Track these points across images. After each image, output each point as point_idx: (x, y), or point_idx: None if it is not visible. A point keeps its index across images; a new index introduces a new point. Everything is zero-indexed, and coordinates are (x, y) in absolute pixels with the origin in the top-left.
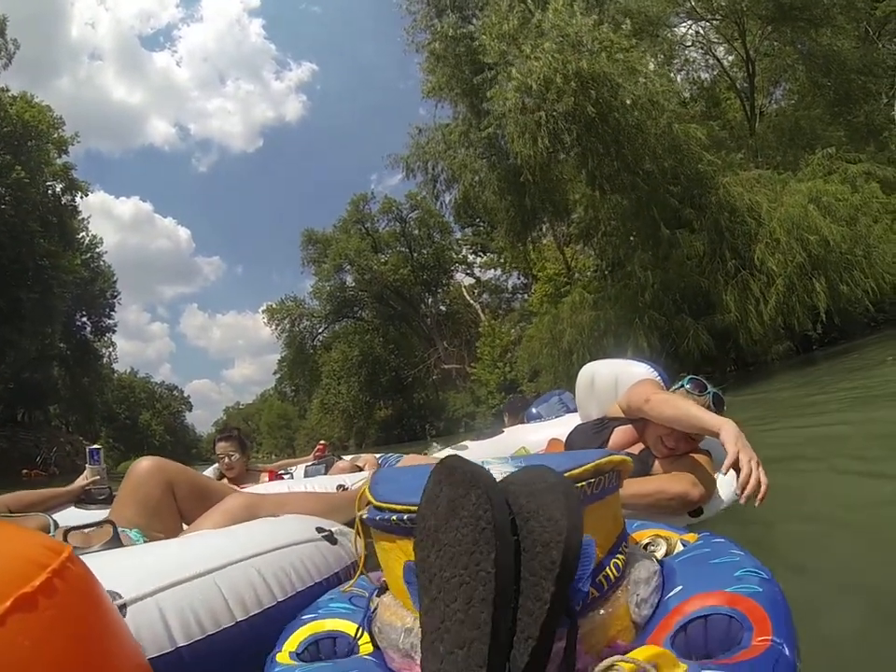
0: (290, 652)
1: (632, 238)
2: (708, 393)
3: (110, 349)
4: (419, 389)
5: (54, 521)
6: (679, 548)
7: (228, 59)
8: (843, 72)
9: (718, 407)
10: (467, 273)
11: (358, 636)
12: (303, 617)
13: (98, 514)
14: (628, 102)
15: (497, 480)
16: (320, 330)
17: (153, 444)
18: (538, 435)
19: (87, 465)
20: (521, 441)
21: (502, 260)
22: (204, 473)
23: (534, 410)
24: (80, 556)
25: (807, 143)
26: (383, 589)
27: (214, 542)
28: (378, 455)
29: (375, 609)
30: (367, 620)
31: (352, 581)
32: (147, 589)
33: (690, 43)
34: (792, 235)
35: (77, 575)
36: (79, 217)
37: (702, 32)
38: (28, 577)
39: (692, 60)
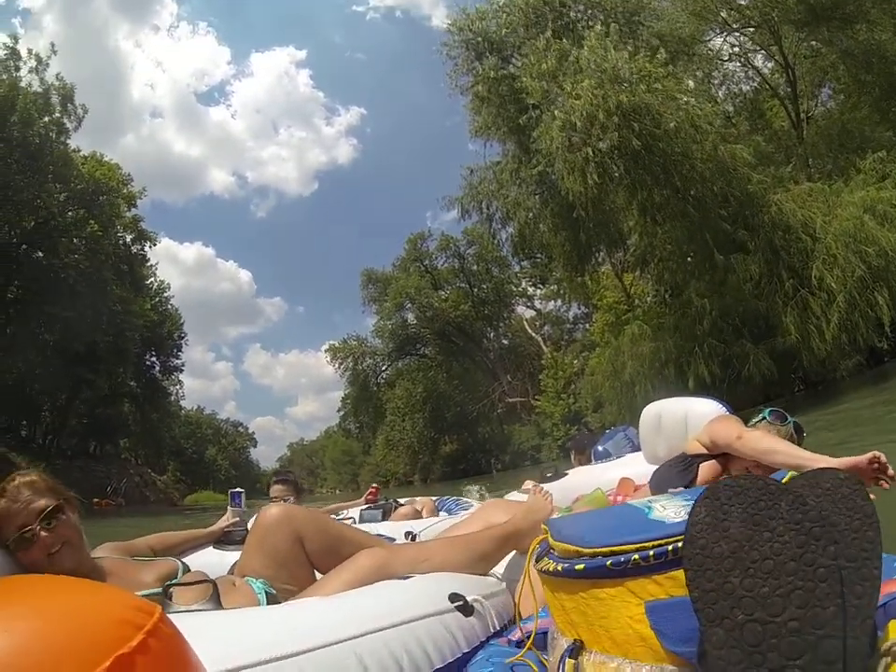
0: None
1: (687, 264)
2: (789, 422)
3: (178, 387)
4: (484, 423)
5: (184, 564)
6: None
7: (279, 109)
8: (886, 65)
9: (798, 435)
10: (527, 306)
11: None
12: None
13: (234, 556)
14: (671, 129)
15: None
16: (383, 368)
17: (219, 479)
18: (606, 475)
19: (228, 507)
20: (589, 483)
21: (562, 291)
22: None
23: (600, 448)
24: (175, 613)
25: (858, 146)
26: (577, 649)
27: (311, 615)
28: (434, 499)
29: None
30: None
31: (525, 649)
32: (232, 664)
33: (727, 56)
34: (850, 249)
35: (170, 636)
36: (148, 265)
37: (737, 43)
38: (125, 638)
39: (730, 73)
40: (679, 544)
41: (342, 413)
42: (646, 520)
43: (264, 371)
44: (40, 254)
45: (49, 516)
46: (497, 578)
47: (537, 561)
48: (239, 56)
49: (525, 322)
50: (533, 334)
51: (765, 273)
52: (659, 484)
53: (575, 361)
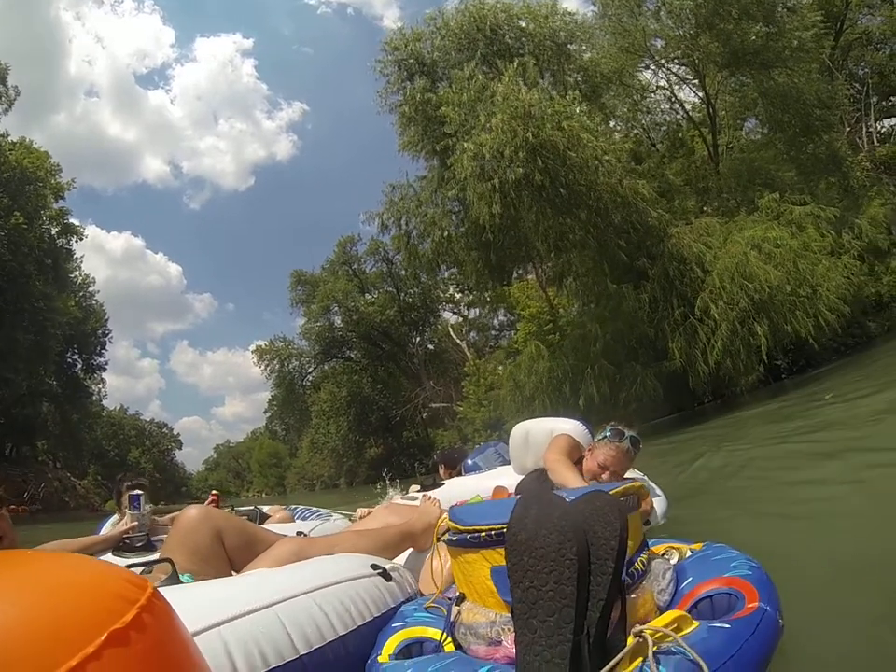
0: (389, 655)
1: (588, 289)
2: (626, 438)
3: (100, 386)
4: (409, 427)
5: (146, 562)
6: (689, 554)
7: (221, 98)
8: (802, 106)
9: (635, 447)
10: (454, 312)
11: (443, 639)
12: (393, 625)
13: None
14: (576, 164)
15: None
16: (309, 370)
17: None
18: (480, 485)
19: (128, 511)
20: (467, 492)
21: (487, 299)
22: (106, 525)
23: (470, 461)
24: None
25: (764, 182)
26: (460, 599)
27: (273, 578)
28: (287, 507)
29: (457, 615)
30: (449, 625)
31: (436, 595)
32: (211, 621)
33: (654, 89)
34: (734, 282)
35: (162, 609)
36: (74, 259)
37: (664, 76)
38: (119, 612)
39: (657, 104)
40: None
41: (268, 414)
42: (505, 514)
43: (191, 369)
44: None
45: None
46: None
47: (443, 534)
48: (183, 39)
49: (450, 328)
50: (458, 340)
51: (661, 299)
52: (522, 493)
53: (499, 368)
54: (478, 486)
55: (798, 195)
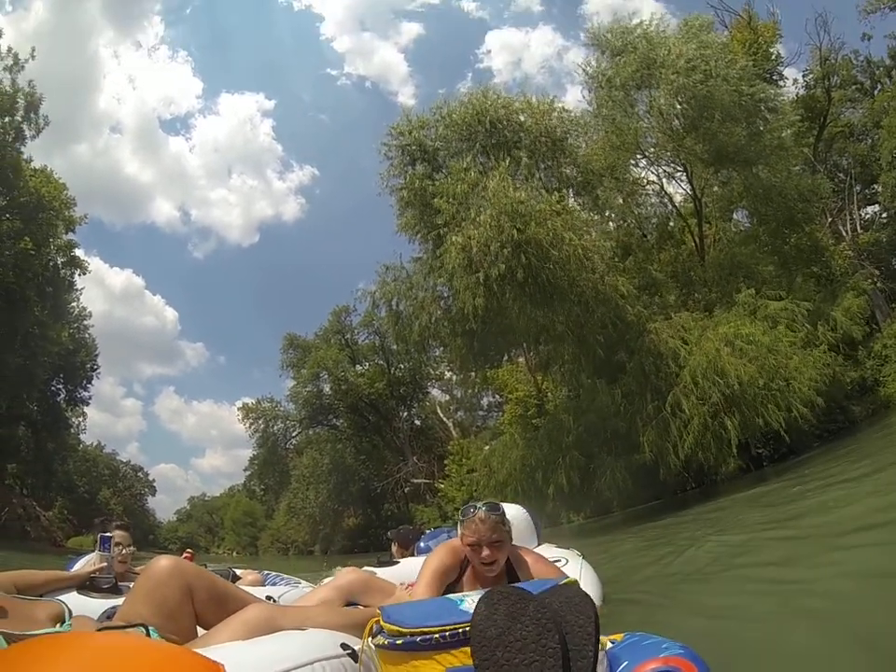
0: None
1: (566, 381)
2: (479, 508)
3: (80, 419)
4: (390, 500)
5: (68, 609)
6: (609, 645)
7: (237, 153)
8: (784, 200)
9: (493, 511)
10: (443, 390)
11: None
12: None
13: (101, 603)
14: (558, 261)
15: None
16: (294, 434)
17: None
18: None
19: (97, 551)
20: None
21: (476, 381)
22: (78, 563)
23: (423, 544)
24: None
25: (746, 274)
26: None
27: (241, 654)
28: (261, 573)
29: None
30: None
31: None
32: None
33: (645, 183)
34: (707, 378)
35: None
36: (74, 290)
37: (655, 172)
38: None
39: (646, 199)
40: (468, 628)
41: (248, 472)
42: (456, 609)
43: (175, 416)
44: None
45: None
46: None
47: (373, 637)
48: (210, 92)
49: (438, 406)
50: (444, 419)
51: (636, 393)
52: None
53: (486, 447)
54: None
55: (775, 290)
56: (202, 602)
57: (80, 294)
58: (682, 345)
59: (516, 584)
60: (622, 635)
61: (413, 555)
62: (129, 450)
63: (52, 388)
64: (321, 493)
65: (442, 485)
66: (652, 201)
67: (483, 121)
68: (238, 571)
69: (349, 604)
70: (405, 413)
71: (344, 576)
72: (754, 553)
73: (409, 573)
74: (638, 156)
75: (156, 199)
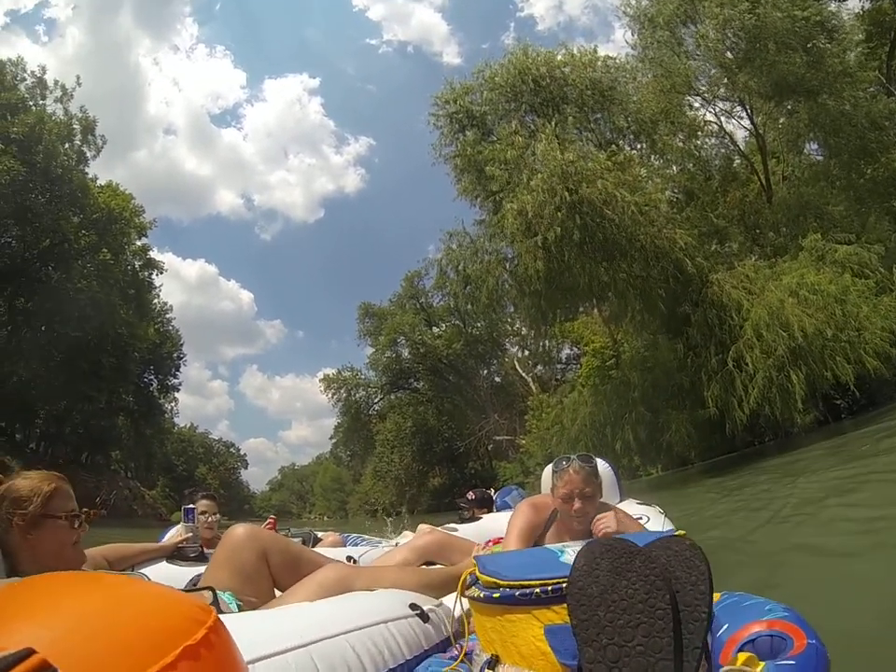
0: None
1: (632, 337)
2: (573, 461)
3: (173, 404)
4: (473, 458)
5: (147, 578)
6: None
7: (290, 135)
8: (855, 130)
9: (587, 463)
10: (521, 346)
11: None
12: None
13: (188, 571)
14: (613, 219)
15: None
16: (376, 400)
17: None
18: None
19: (182, 523)
20: (502, 528)
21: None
22: (168, 534)
23: (499, 501)
24: None
25: (815, 215)
26: (493, 662)
27: (310, 615)
28: (341, 534)
29: None
30: None
31: (457, 661)
32: (249, 657)
33: (702, 124)
34: (771, 331)
35: (225, 633)
36: (154, 289)
37: (712, 112)
38: (190, 632)
39: (705, 141)
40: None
41: (334, 440)
42: (556, 562)
43: (259, 392)
44: (55, 275)
45: (84, 516)
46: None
47: (466, 588)
48: (253, 80)
49: (516, 361)
50: (523, 374)
51: (701, 346)
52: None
53: (564, 399)
54: None
55: (846, 232)
56: (277, 566)
57: (160, 291)
58: (746, 297)
59: (621, 535)
60: (718, 594)
61: (490, 513)
62: (220, 428)
63: (145, 380)
64: (405, 455)
65: (524, 441)
66: (713, 142)
67: (525, 81)
68: (319, 534)
69: (427, 564)
70: (485, 371)
71: (421, 536)
72: (842, 496)
73: (491, 530)
74: (692, 96)
75: (218, 190)
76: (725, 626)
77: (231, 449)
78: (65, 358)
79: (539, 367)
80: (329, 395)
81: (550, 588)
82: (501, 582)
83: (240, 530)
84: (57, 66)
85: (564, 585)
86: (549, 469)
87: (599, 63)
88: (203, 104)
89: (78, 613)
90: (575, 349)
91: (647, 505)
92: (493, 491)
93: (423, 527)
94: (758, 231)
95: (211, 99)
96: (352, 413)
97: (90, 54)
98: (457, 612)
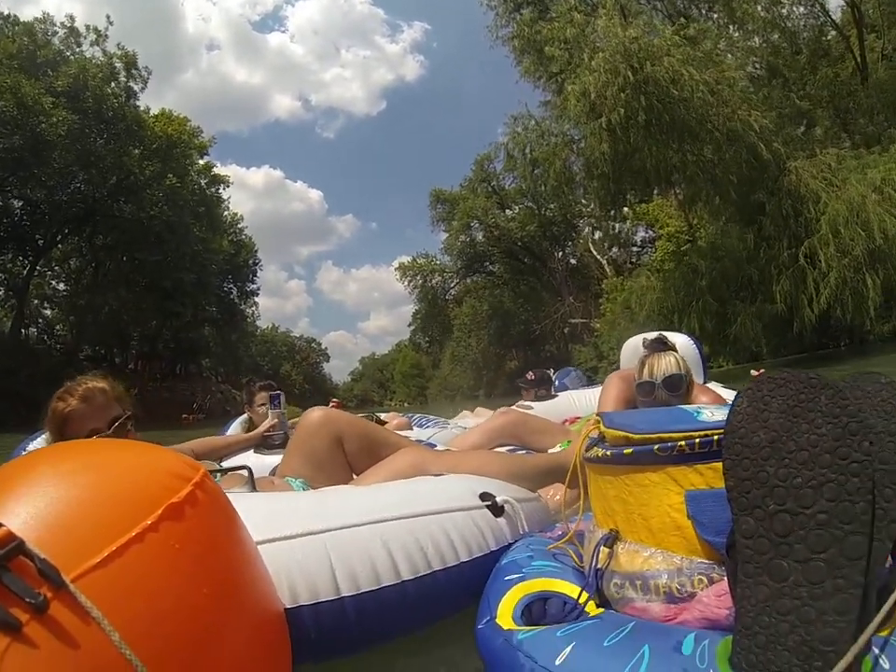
0: (512, 617)
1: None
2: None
3: (254, 309)
4: (550, 341)
5: (221, 468)
6: None
7: (338, 29)
8: None
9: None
10: (595, 227)
11: (583, 598)
12: (506, 578)
13: (275, 459)
14: (679, 101)
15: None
16: (452, 285)
17: (294, 393)
18: (589, 399)
19: (269, 409)
20: (575, 406)
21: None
22: (233, 426)
23: (557, 382)
24: None
25: None
26: (611, 539)
27: (346, 500)
28: (405, 415)
29: (608, 561)
30: (595, 576)
31: (565, 539)
32: (266, 536)
33: None
34: (849, 228)
35: (213, 489)
36: (222, 202)
37: None
38: (175, 489)
39: (791, 10)
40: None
41: (412, 327)
42: (695, 419)
43: (336, 287)
44: (127, 207)
45: (120, 425)
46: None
47: (587, 450)
48: None
49: (590, 244)
50: (598, 256)
51: (774, 237)
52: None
53: (652, 279)
54: (585, 401)
55: None
56: (353, 451)
57: (228, 203)
58: (825, 188)
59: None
60: None
61: (550, 394)
62: (300, 325)
63: (225, 289)
64: (482, 339)
65: (598, 325)
66: (801, 11)
67: None
68: (382, 416)
69: (507, 448)
70: (560, 254)
71: (498, 416)
72: None
73: (567, 407)
74: None
75: (273, 96)
76: None
77: (313, 344)
78: (149, 282)
79: (614, 249)
80: (406, 283)
81: (697, 441)
82: (634, 436)
83: (315, 414)
84: (83, 7)
85: (716, 438)
86: (629, 344)
87: None
88: (242, 12)
89: (54, 480)
90: (650, 232)
91: (731, 390)
92: (552, 371)
93: (480, 410)
94: (849, 115)
95: (249, 6)
96: (429, 300)
97: None
98: (512, 511)
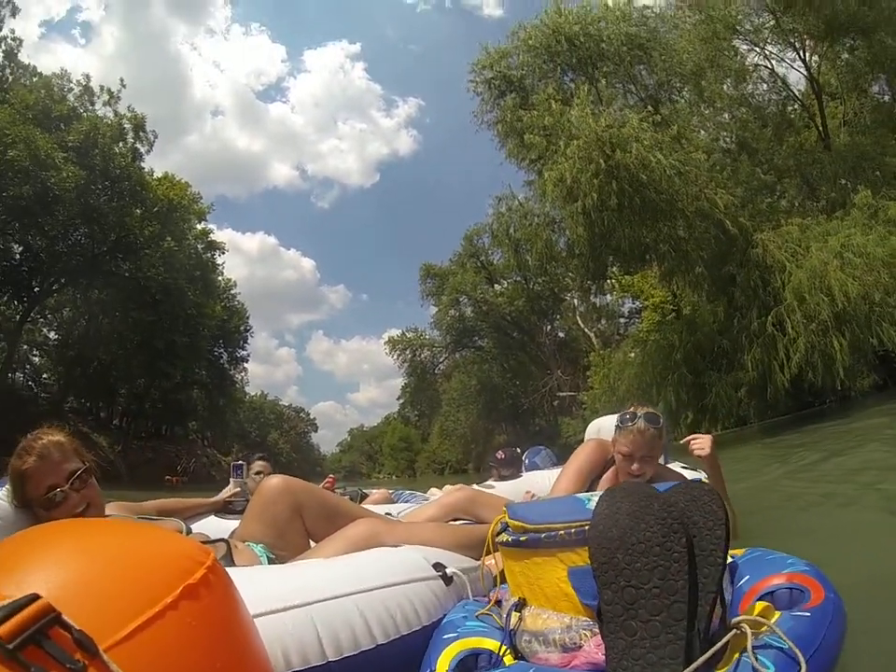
0: (448, 669)
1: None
2: (639, 418)
3: (243, 374)
4: (539, 415)
5: (188, 528)
6: (730, 559)
7: (337, 102)
8: None
9: (652, 424)
10: (582, 300)
11: (502, 651)
12: (444, 636)
13: (234, 524)
14: (648, 184)
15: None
16: (441, 360)
17: (280, 461)
18: (552, 480)
19: (231, 478)
20: (540, 485)
21: (614, 287)
22: (224, 491)
23: (527, 461)
24: None
25: (874, 167)
26: (520, 604)
27: (321, 572)
28: (390, 491)
29: (518, 622)
30: (510, 634)
31: (489, 605)
32: (259, 610)
33: (752, 69)
34: (813, 295)
35: (223, 573)
36: (217, 268)
37: (760, 55)
38: (191, 570)
39: (756, 87)
40: None
41: (401, 400)
42: (583, 508)
43: (326, 357)
44: (125, 265)
45: (78, 478)
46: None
47: (497, 535)
48: (293, 53)
49: (578, 317)
50: (585, 329)
51: (745, 307)
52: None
53: (631, 354)
54: (548, 481)
55: None
56: (312, 518)
57: (223, 269)
58: (789, 258)
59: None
60: (743, 550)
61: (519, 473)
62: (289, 394)
63: (215, 353)
64: (471, 413)
65: (585, 397)
66: (765, 87)
67: (560, 41)
68: (370, 491)
69: (458, 522)
70: (548, 327)
71: (451, 493)
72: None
73: (529, 487)
74: (738, 40)
75: (271, 164)
76: (746, 578)
77: (301, 414)
78: (141, 340)
79: (602, 321)
80: (395, 356)
81: (574, 531)
82: (528, 526)
83: (274, 481)
84: (99, 65)
85: (586, 528)
86: (597, 422)
87: (635, 14)
88: (246, 82)
89: (81, 558)
90: (637, 303)
91: (692, 470)
92: (519, 451)
93: (451, 487)
94: (815, 182)
95: (254, 76)
96: (418, 374)
97: (129, 49)
98: (460, 582)
